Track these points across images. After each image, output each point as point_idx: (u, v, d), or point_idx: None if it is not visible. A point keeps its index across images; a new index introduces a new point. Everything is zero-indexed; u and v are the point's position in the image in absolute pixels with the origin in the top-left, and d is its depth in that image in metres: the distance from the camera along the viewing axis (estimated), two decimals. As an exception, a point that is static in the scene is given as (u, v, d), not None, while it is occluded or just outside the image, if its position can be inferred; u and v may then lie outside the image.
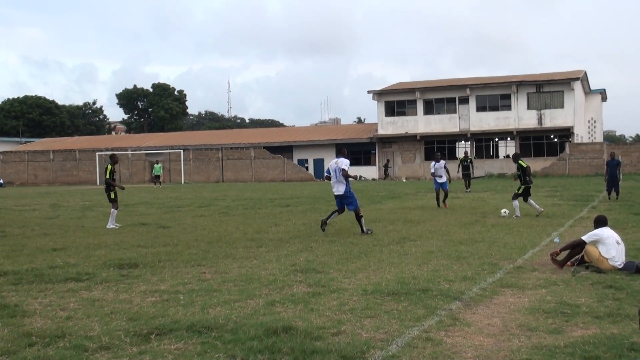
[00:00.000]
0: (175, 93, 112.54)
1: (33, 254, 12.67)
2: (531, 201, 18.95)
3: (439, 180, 22.67)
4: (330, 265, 10.71)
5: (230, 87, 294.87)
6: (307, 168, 64.92)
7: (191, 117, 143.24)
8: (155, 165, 54.81)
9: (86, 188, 54.44)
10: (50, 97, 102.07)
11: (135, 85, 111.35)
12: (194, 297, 8.40)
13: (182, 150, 64.95)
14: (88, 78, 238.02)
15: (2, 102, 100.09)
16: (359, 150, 62.47)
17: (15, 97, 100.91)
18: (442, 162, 23.27)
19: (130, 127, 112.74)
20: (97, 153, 67.76)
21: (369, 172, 61.25)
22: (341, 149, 16.59)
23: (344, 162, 15.44)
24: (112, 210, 18.39)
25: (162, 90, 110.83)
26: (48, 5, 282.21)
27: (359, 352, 5.93)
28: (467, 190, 32.64)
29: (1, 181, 68.94)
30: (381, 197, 29.71)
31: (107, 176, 18.70)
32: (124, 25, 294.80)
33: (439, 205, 22.41)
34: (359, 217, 15.16)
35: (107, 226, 17.88)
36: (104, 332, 6.70)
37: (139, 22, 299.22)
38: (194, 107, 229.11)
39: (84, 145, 75.27)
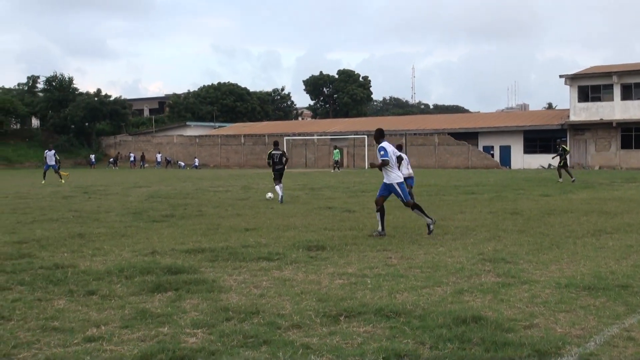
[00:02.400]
0: (360, 79, 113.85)
1: (227, 233, 13.34)
2: None
3: None
4: (520, 255, 10.35)
5: (414, 73, 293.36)
6: (492, 155, 63.39)
7: (375, 103, 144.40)
8: (335, 150, 55.71)
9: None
10: (238, 84, 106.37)
11: (321, 72, 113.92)
12: (380, 281, 8.43)
13: (365, 136, 65.63)
14: (273, 65, 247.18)
15: (199, 88, 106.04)
16: (549, 137, 59.98)
17: (210, 84, 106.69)
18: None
19: (316, 112, 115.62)
20: (285, 138, 70.13)
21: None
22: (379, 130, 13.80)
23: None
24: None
25: (347, 77, 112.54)
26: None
27: (554, 348, 5.66)
28: None
29: (197, 163, 73.32)
30: (573, 186, 28.36)
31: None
32: (305, 14, 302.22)
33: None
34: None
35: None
36: (295, 311, 6.89)
37: (319, 10, 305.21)
38: (377, 93, 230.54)
39: (273, 130, 78.19)
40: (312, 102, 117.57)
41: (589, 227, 13.82)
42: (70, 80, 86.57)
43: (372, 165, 13.82)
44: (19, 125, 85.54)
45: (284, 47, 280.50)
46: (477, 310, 6.85)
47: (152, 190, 28.38)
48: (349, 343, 5.87)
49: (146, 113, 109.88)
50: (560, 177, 31.49)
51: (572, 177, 31.07)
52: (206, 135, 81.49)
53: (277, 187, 21.31)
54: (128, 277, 8.69)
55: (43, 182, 35.16)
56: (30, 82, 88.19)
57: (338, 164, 53.85)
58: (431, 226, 12.80)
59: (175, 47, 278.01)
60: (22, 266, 9.64)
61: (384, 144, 13.06)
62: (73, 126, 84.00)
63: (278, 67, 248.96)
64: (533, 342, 5.75)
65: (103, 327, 6.39)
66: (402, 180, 13.21)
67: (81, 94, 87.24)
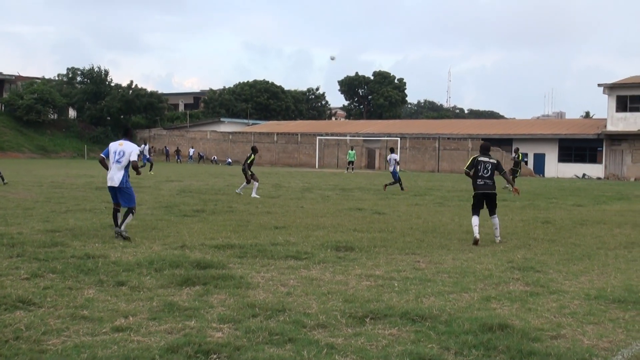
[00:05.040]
0: (395, 81, 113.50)
1: (257, 230, 13.41)
2: None
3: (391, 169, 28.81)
4: (550, 265, 10.25)
5: (450, 77, 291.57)
6: (526, 162, 62.74)
7: (409, 106, 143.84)
8: (350, 151, 55.45)
9: (306, 170, 56.68)
10: (274, 82, 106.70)
11: (356, 73, 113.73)
12: (408, 284, 8.42)
13: (399, 138, 65.45)
14: (304, 64, 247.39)
15: (234, 85, 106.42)
16: (584, 146, 59.26)
17: (245, 81, 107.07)
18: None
19: (350, 113, 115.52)
20: (318, 137, 70.21)
21: (594, 170, 58.03)
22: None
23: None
24: (255, 183, 22.87)
25: (382, 78, 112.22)
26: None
27: (580, 359, 5.61)
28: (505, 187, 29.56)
29: (230, 160, 73.69)
30: (607, 197, 27.98)
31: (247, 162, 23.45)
32: (338, 14, 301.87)
33: None
34: None
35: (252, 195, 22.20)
36: (321, 311, 6.91)
37: (352, 11, 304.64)
38: (412, 96, 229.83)
39: (306, 129, 78.26)
40: (346, 103, 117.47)
41: (622, 239, 13.64)
42: (106, 72, 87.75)
43: None
44: (56, 116, 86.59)
45: (316, 46, 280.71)
46: (504, 318, 6.81)
47: (184, 185, 28.61)
48: (374, 345, 5.87)
49: (181, 108, 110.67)
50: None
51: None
52: (239, 132, 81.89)
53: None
54: (157, 270, 8.79)
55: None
56: (70, 73, 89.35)
57: (352, 165, 53.59)
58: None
59: (208, 42, 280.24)
60: (54, 254, 9.80)
61: None
62: (109, 118, 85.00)
63: (309, 66, 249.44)
64: (559, 353, 5.71)
65: (131, 318, 6.47)
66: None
67: (116, 86, 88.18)
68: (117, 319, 6.41)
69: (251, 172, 23.35)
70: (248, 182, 23.30)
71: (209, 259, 9.70)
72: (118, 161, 12.07)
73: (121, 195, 12.20)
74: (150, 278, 8.35)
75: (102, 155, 12.62)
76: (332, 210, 18.38)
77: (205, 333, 6.06)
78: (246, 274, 8.77)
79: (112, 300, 7.16)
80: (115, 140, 12.54)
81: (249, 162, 23.50)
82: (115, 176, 12.07)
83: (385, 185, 28.70)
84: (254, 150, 24.32)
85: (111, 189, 12.27)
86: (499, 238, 12.86)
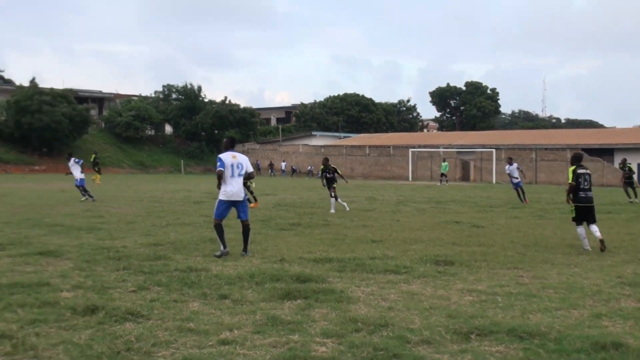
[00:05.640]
0: (488, 91, 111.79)
1: (354, 244, 13.38)
2: None
3: (514, 181, 28.54)
4: (663, 280, 9.77)
5: (545, 86, 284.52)
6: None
7: (503, 116, 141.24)
8: (442, 163, 54.64)
9: (399, 183, 56.36)
10: (364, 95, 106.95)
11: (448, 84, 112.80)
12: (512, 300, 8.19)
13: (494, 150, 64.24)
14: (393, 76, 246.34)
15: (325, 99, 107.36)
16: (690, 156, 56.61)
17: (336, 94, 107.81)
18: (515, 164, 28.89)
19: (442, 124, 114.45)
20: (410, 150, 69.76)
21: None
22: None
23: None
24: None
25: (474, 89, 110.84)
26: (355, 6, 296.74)
27: None
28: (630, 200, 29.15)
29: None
30: None
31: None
32: (426, 25, 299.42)
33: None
34: None
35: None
36: (425, 327, 6.80)
37: (440, 21, 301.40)
38: (505, 106, 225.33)
39: (398, 141, 77.93)
40: (437, 114, 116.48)
41: None
42: (199, 88, 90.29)
43: None
44: (153, 132, 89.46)
45: (405, 57, 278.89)
46: (617, 336, 6.52)
47: (279, 199, 28.92)
48: (482, 363, 5.73)
49: (273, 122, 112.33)
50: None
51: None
52: (331, 146, 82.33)
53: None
54: (258, 283, 8.88)
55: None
56: (166, 90, 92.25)
57: (446, 177, 52.85)
58: (215, 254, 11.68)
59: (297, 57, 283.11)
60: (158, 268, 10.05)
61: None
62: (203, 133, 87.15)
63: (399, 78, 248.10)
64: (681, 374, 5.41)
65: (236, 331, 6.54)
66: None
67: (210, 102, 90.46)
68: (223, 332, 6.49)
69: (330, 185, 22.69)
70: (335, 197, 22.52)
71: (308, 272, 9.73)
72: (240, 174, 11.78)
73: (243, 209, 11.95)
74: (251, 291, 8.43)
75: (220, 168, 11.67)
76: (428, 223, 18.16)
77: (309, 347, 6.05)
78: (346, 288, 8.74)
79: (217, 314, 7.26)
80: (219, 154, 12.07)
81: (326, 174, 22.80)
82: (239, 190, 11.79)
83: (522, 199, 27.96)
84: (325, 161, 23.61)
85: (232, 203, 11.79)
86: (600, 235, 12.79)
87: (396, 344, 6.16)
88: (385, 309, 7.61)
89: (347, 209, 22.24)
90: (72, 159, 26.70)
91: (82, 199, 25.72)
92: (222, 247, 11.63)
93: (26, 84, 74.75)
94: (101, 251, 11.81)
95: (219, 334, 6.42)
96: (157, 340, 6.16)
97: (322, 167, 23.28)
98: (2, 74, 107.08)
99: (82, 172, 26.45)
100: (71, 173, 26.55)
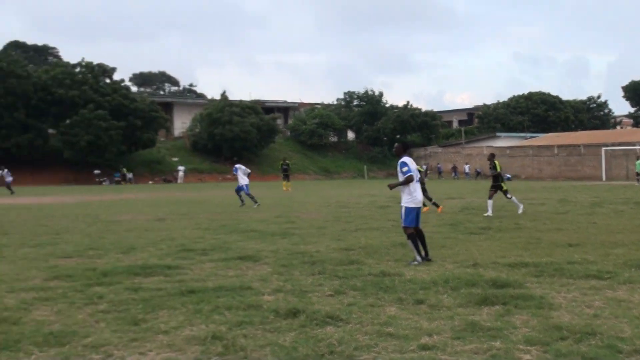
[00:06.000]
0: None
1: (549, 248, 12.87)
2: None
3: None
4: None
5: None
6: None
7: None
8: (637, 161, 50.78)
9: (591, 183, 53.65)
10: (550, 93, 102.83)
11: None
12: None
13: (697, 145, 59.46)
14: (580, 71, 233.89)
15: (509, 98, 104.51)
16: None
17: (520, 94, 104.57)
18: None
19: (638, 120, 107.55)
20: (603, 148, 66.21)
21: None
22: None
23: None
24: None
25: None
26: (535, 2, 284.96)
27: None
28: None
29: (509, 175, 72.17)
30: None
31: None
32: (614, 16, 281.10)
33: None
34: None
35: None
36: (636, 336, 6.39)
37: (630, 11, 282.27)
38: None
39: (588, 140, 74.28)
40: (632, 110, 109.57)
41: None
42: (381, 94, 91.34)
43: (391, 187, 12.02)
44: (336, 138, 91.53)
45: (592, 52, 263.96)
46: None
47: (465, 202, 28.47)
48: None
49: (455, 124, 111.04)
50: None
51: None
52: (517, 146, 79.97)
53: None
54: (453, 289, 8.77)
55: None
56: (347, 97, 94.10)
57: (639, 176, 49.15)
58: (413, 263, 11.10)
59: (477, 57, 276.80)
60: (352, 272, 10.21)
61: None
62: (385, 138, 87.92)
63: (586, 73, 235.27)
64: None
65: (435, 337, 6.49)
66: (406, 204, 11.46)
67: (391, 107, 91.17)
68: (422, 337, 6.47)
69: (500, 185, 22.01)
70: (509, 196, 22.10)
71: (504, 277, 9.47)
72: (418, 180, 11.62)
73: (420, 215, 11.76)
74: (447, 297, 8.35)
75: (412, 173, 11.32)
76: (629, 226, 17.08)
77: (513, 355, 5.88)
78: (546, 294, 8.41)
79: (414, 318, 7.25)
80: (392, 159, 12.02)
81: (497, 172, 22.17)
82: (422, 196, 11.71)
83: None
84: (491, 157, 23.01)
85: (419, 210, 11.60)
86: None
87: (606, 354, 5.84)
88: (591, 317, 7.24)
89: (490, 213, 21.20)
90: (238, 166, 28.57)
91: (241, 204, 27.16)
92: (418, 257, 11.25)
93: (216, 97, 79.38)
94: (296, 256, 12.20)
95: (418, 339, 6.40)
96: (358, 344, 6.25)
97: (495, 162, 22.54)
98: (194, 88, 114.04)
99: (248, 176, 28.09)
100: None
